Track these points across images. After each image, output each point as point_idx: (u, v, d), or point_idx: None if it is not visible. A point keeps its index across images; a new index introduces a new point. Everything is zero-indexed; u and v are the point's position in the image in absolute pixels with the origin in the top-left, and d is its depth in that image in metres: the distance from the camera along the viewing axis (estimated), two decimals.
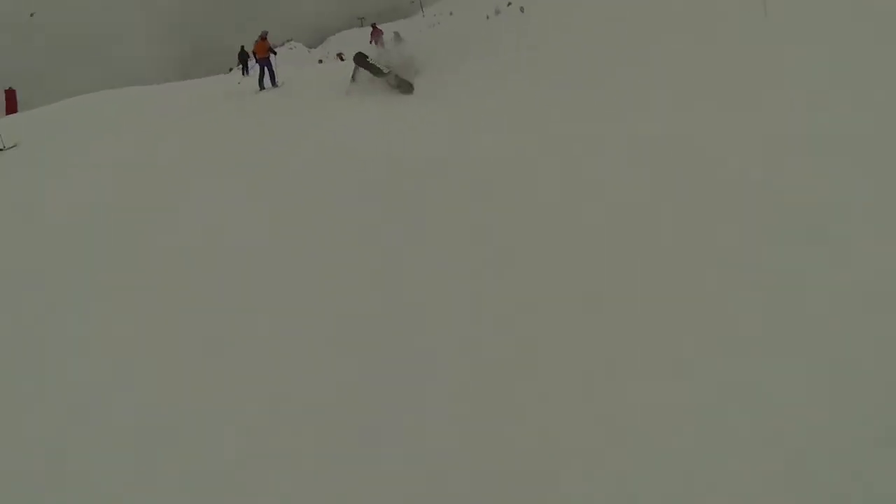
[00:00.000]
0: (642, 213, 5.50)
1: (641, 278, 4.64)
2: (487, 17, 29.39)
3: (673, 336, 4.01)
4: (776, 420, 3.27)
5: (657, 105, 8.10)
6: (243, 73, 25.00)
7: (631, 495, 3.06)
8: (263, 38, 17.74)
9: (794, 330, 3.83)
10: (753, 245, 4.73)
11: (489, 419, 3.61)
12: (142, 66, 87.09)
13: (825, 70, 7.53)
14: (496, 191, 6.51)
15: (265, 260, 5.98)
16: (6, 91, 21.21)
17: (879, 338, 3.62)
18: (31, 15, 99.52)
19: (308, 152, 9.37)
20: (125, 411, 4.09)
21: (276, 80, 17.77)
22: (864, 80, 7.00)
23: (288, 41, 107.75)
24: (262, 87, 17.64)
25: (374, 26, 21.71)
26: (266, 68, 17.68)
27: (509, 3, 36.04)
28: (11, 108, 15.73)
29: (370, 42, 20.74)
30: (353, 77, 14.87)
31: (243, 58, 25.63)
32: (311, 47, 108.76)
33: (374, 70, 14.39)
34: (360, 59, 14.82)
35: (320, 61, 43.28)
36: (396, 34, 21.77)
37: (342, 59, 22.73)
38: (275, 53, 18.17)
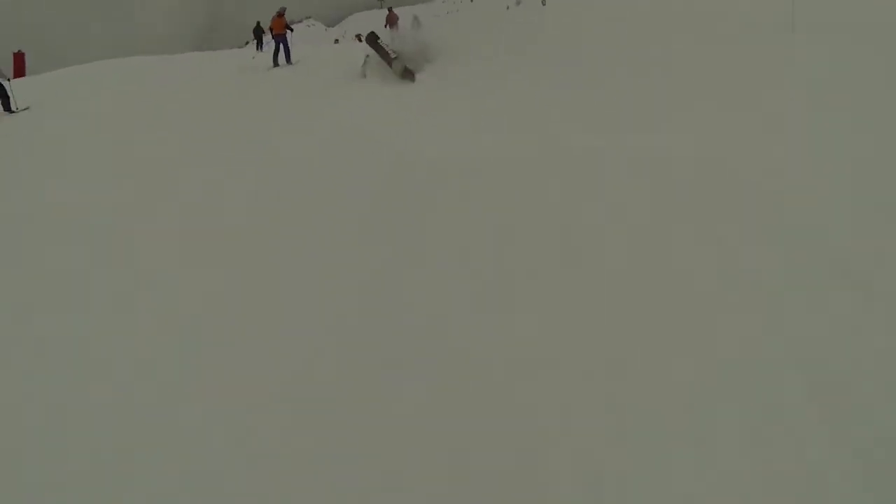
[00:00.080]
0: (642, 214, 5.49)
1: (641, 278, 4.63)
2: (508, 8, 29.09)
3: (673, 336, 4.01)
4: (777, 420, 3.30)
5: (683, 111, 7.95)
6: (258, 49, 24.79)
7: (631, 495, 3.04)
8: (281, 14, 17.55)
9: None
10: (753, 246, 4.79)
11: (488, 419, 3.58)
12: (159, 35, 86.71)
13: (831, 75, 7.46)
14: (496, 192, 6.33)
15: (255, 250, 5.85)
16: (14, 54, 21.06)
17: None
18: None
19: (307, 141, 9.09)
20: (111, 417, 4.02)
21: (291, 57, 17.60)
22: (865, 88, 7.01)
23: (307, 18, 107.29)
24: (276, 63, 17.47)
25: (390, 10, 21.46)
26: (282, 45, 17.51)
27: None
28: (20, 71, 15.62)
29: (385, 26, 20.51)
30: (364, 65, 14.56)
31: (258, 33, 25.41)
32: (329, 26, 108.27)
33: (383, 53, 14.14)
34: (372, 40, 14.53)
35: (336, 41, 42.92)
36: (416, 18, 21.53)
37: (360, 41, 22.58)
38: (291, 30, 18.00)
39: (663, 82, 9.11)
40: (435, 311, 4.67)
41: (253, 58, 20.94)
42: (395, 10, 21.55)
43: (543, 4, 23.66)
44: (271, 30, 17.90)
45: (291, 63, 17.47)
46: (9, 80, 13.65)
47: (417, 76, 13.58)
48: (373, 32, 15.00)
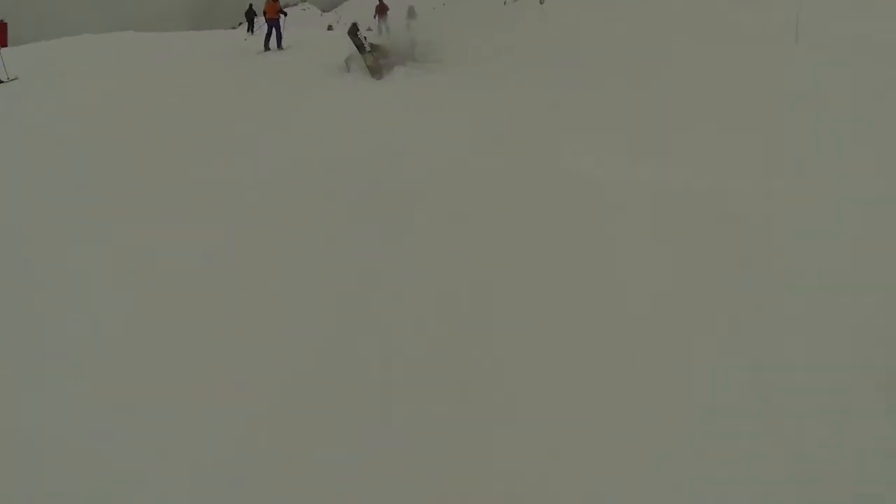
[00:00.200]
0: (643, 216, 5.51)
1: (642, 279, 4.64)
2: (504, 3, 28.81)
3: (673, 336, 4.01)
4: (776, 422, 3.31)
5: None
6: (248, 31, 24.41)
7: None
8: None
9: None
10: (753, 247, 4.82)
11: (488, 419, 3.56)
12: (159, 12, 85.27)
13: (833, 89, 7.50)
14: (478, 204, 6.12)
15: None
16: None
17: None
18: None
19: (280, 140, 8.75)
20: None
21: (283, 42, 17.30)
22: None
23: (302, 1, 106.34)
24: (267, 47, 17.20)
25: (380, 1, 20.91)
26: (274, 29, 17.21)
27: None
28: (1, 41, 15.18)
29: (374, 16, 20.14)
30: (347, 59, 13.96)
31: (250, 16, 25.00)
32: (324, 10, 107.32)
33: (358, 44, 13.60)
34: (352, 31, 13.89)
35: (330, 27, 42.43)
36: (411, 9, 21.20)
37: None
38: (285, 15, 17.69)
39: (663, 94, 8.92)
40: (434, 311, 4.61)
41: (245, 40, 20.60)
42: (387, 0, 21.01)
43: (541, 3, 23.43)
44: (265, 13, 17.56)
45: (282, 48, 17.20)
46: None
47: (396, 70, 13.12)
48: (354, 24, 14.27)
